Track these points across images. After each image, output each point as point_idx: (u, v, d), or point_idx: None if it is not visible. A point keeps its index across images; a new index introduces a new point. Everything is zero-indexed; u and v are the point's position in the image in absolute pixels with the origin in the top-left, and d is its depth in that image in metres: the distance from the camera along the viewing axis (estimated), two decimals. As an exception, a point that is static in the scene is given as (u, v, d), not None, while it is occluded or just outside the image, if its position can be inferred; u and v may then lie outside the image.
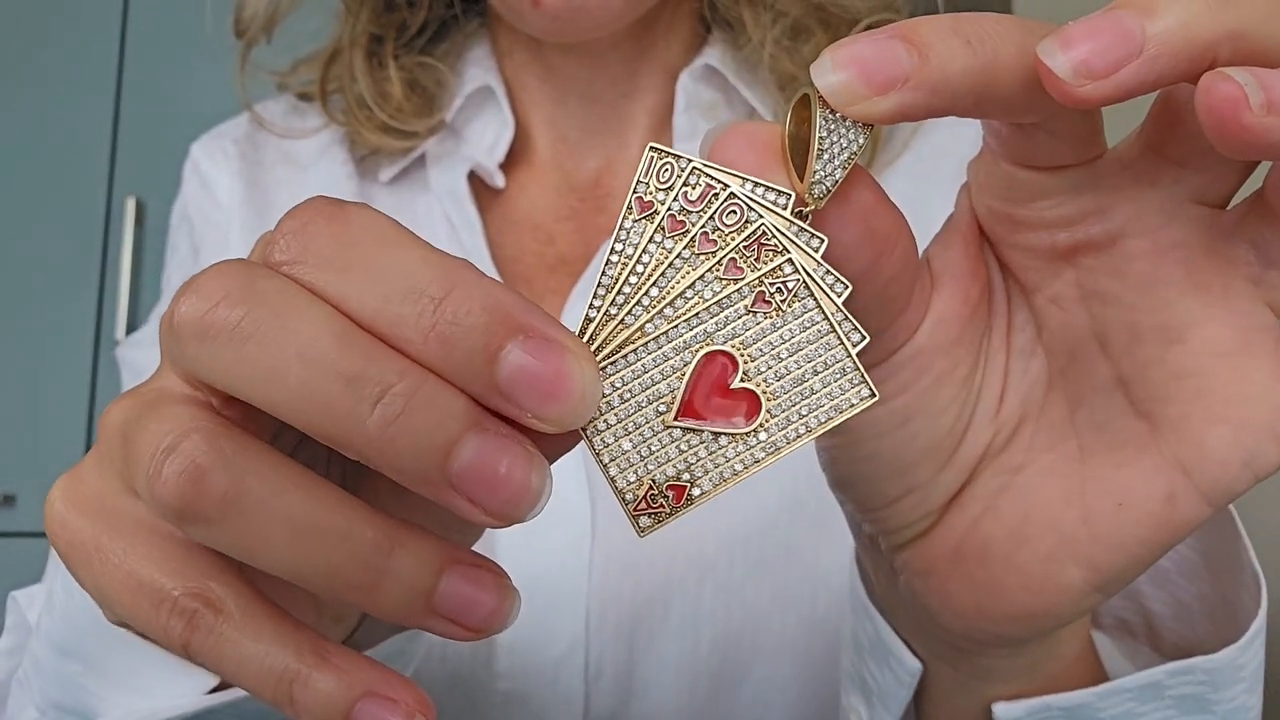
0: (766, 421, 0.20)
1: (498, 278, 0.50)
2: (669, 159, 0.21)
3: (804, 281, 0.20)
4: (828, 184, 0.20)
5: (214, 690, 0.29)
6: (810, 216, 0.21)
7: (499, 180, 0.52)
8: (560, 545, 0.45)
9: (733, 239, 0.21)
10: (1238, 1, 0.18)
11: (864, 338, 0.20)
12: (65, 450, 1.34)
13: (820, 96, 0.20)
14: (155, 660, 0.30)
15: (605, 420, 0.21)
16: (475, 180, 0.53)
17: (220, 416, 0.20)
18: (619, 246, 0.21)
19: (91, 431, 1.37)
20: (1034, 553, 0.23)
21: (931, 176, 0.51)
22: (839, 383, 0.21)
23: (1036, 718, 0.29)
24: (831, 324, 0.20)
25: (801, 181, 0.20)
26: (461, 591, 0.20)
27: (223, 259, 0.20)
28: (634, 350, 0.21)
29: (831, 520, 0.46)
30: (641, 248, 0.21)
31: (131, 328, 1.36)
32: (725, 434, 0.21)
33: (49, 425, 1.35)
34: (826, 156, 0.20)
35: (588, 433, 0.21)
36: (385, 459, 0.19)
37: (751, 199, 0.21)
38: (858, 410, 0.20)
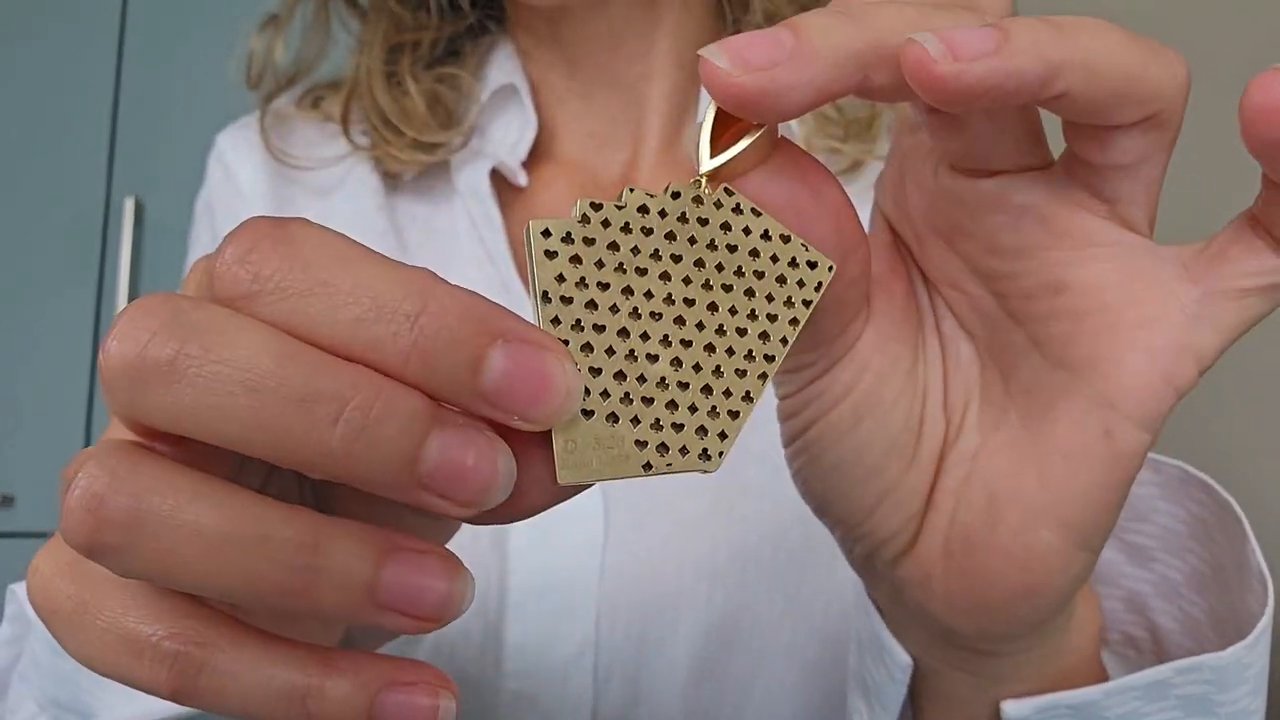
0: None
1: (517, 276, 0.50)
2: None
3: None
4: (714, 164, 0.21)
5: None
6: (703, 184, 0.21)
7: (521, 178, 0.53)
8: (573, 547, 0.45)
9: None
10: (1078, 34, 0.19)
11: None
12: (64, 451, 1.34)
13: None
14: None
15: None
16: (498, 178, 0.53)
17: (133, 445, 0.19)
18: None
19: (90, 432, 1.37)
20: (1008, 529, 0.24)
21: None
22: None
23: (1045, 715, 0.29)
24: None
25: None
26: (406, 581, 0.19)
27: (147, 294, 0.20)
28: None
29: None
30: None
31: (130, 328, 1.35)
32: None
33: (47, 426, 1.35)
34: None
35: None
36: (354, 474, 0.18)
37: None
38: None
